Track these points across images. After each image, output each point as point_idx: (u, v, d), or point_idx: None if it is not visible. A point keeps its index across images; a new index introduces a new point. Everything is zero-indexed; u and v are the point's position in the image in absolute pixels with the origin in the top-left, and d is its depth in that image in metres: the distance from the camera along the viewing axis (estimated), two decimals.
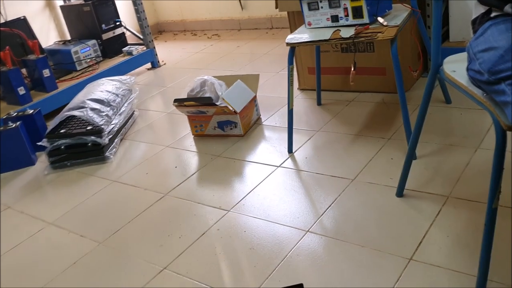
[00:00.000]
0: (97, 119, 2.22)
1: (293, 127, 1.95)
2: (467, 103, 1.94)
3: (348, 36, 1.62)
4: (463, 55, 1.18)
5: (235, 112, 2.12)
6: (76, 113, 2.23)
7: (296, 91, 2.52)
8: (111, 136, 2.25)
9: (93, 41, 3.26)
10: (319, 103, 2.30)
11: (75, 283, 1.46)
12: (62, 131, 2.21)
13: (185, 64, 3.48)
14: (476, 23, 1.08)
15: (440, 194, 1.50)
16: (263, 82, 2.63)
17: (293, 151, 1.95)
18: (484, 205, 1.07)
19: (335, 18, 1.72)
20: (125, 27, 3.50)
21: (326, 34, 1.68)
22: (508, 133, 0.97)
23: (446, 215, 1.41)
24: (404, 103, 1.65)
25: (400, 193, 1.53)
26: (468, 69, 1.04)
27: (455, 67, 1.17)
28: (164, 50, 3.86)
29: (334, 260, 1.34)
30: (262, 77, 2.64)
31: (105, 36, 3.32)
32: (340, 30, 1.69)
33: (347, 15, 1.69)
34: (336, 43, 1.78)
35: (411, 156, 1.46)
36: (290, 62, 1.78)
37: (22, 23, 3.17)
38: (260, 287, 1.29)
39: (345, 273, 1.28)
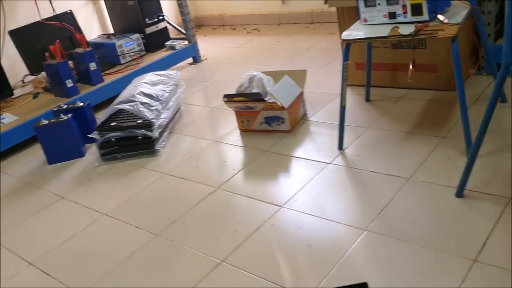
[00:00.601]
0: (147, 113, 2.25)
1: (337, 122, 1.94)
2: None
3: (408, 33, 1.60)
4: None
5: (283, 108, 2.12)
6: (126, 106, 2.27)
7: None
8: (160, 130, 2.28)
9: (137, 35, 3.30)
10: (367, 99, 2.28)
11: (133, 274, 1.50)
12: (112, 124, 2.26)
13: (226, 59, 3.49)
14: None
15: (501, 195, 1.47)
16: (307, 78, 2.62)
17: (344, 148, 1.94)
18: None
19: (392, 15, 1.70)
20: (168, 22, 3.53)
21: (384, 31, 1.66)
22: None
23: (509, 217, 1.38)
24: (463, 102, 1.62)
25: (460, 193, 1.50)
26: None
27: None
28: (204, 44, 3.88)
29: (394, 260, 1.33)
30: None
31: (149, 30, 3.36)
32: (398, 27, 1.66)
33: (405, 12, 1.66)
34: (393, 40, 1.76)
35: (474, 155, 1.43)
36: (346, 59, 1.77)
37: (68, 17, 3.24)
38: (320, 284, 1.30)
39: (407, 273, 1.27)
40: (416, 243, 1.37)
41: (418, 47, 2.16)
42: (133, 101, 2.30)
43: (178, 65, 3.43)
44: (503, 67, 1.22)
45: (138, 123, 2.22)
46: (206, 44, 3.92)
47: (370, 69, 2.20)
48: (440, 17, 1.63)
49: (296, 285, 1.32)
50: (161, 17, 3.42)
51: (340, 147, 1.94)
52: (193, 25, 3.52)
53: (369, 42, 2.13)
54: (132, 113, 2.28)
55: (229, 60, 3.43)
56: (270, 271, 1.39)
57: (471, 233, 1.35)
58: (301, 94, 2.27)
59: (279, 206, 1.67)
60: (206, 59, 3.56)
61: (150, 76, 2.60)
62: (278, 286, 1.33)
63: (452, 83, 2.03)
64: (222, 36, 4.15)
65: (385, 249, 1.37)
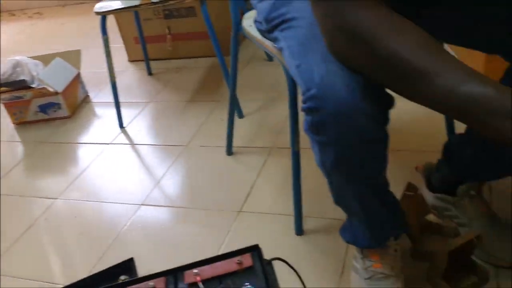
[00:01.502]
0: None
1: (124, 101, 1.88)
2: None
3: (157, 0, 1.58)
4: None
5: (56, 93, 1.96)
6: None
7: (126, 64, 2.41)
8: None
9: None
10: (149, 73, 2.24)
11: None
12: None
13: (2, 49, 3.11)
14: None
15: (265, 147, 1.57)
16: (90, 58, 2.47)
17: (125, 126, 1.87)
18: (301, 150, 1.13)
19: None
20: None
21: (136, 0, 1.61)
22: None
23: (270, 165, 1.48)
24: (223, 65, 1.67)
25: (229, 151, 1.57)
26: (254, 21, 1.07)
27: (251, 22, 1.20)
28: None
29: (168, 228, 1.33)
30: (89, 53, 2.48)
31: None
32: None
33: None
34: (147, 8, 1.73)
35: (232, 114, 1.50)
36: (103, 32, 1.68)
37: None
38: (92, 269, 1.24)
39: (178, 237, 1.29)
40: (190, 206, 1.39)
41: (189, 16, 2.17)
42: None
43: None
44: (233, 26, 1.27)
45: None
46: None
47: (144, 42, 2.15)
48: None
49: (68, 278, 1.23)
50: None
51: (121, 125, 1.87)
52: None
53: (135, 14, 2.07)
54: None
55: (6, 50, 3.06)
56: (40, 270, 1.28)
57: (238, 187, 1.42)
58: (78, 75, 2.12)
59: (53, 198, 1.55)
60: None
61: None
62: (50, 285, 1.23)
63: (226, 48, 2.09)
64: None
65: (160, 219, 1.37)
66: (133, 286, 0.84)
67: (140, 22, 2.10)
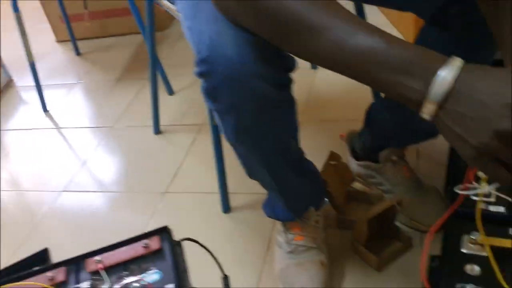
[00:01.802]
0: None
1: (50, 83, 1.77)
2: None
3: None
4: None
5: None
6: None
7: (54, 44, 2.27)
8: None
9: None
10: (77, 53, 2.11)
11: None
12: None
13: None
14: None
15: (194, 124, 1.51)
16: (14, 40, 2.31)
17: (49, 109, 1.76)
18: None
19: None
20: None
21: None
22: None
23: (200, 143, 1.42)
24: (149, 40, 1.57)
25: (157, 130, 1.49)
26: None
27: None
28: None
29: (91, 214, 1.26)
30: (14, 35, 2.31)
31: None
32: None
33: None
34: None
35: (155, 91, 1.43)
36: (15, 9, 1.56)
37: None
38: (7, 263, 1.15)
39: (101, 223, 1.22)
40: (112, 190, 1.32)
41: None
42: None
43: None
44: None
45: None
46: None
47: (68, 20, 2.02)
48: None
49: None
50: None
51: (44, 109, 1.75)
52: None
53: None
54: None
55: None
56: None
57: (165, 167, 1.35)
58: None
59: None
60: None
61: None
62: None
63: (159, 24, 2.00)
64: None
65: (79, 205, 1.29)
66: (29, 280, 0.78)
67: (62, 0, 1.97)
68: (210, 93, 0.68)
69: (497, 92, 0.48)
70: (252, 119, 0.70)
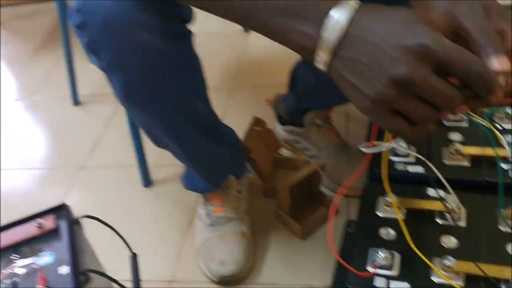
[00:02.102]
0: None
1: None
2: None
3: None
4: None
5: None
6: None
7: None
8: None
9: None
10: None
11: None
12: None
13: None
14: None
15: None
16: None
17: None
18: None
19: None
20: None
21: None
22: None
23: (121, 113, 1.32)
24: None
25: (75, 100, 1.38)
26: None
27: None
28: None
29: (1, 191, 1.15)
30: None
31: None
32: None
33: None
34: None
35: (69, 57, 1.32)
36: None
37: None
38: None
39: (11, 201, 1.11)
40: (25, 167, 1.22)
41: None
42: None
43: None
44: None
45: None
46: None
47: None
48: None
49: None
50: None
51: None
52: None
53: None
54: None
55: None
56: None
57: (82, 140, 1.25)
58: None
59: None
60: None
61: None
62: None
63: None
64: None
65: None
66: None
67: None
68: (91, 48, 0.60)
69: (393, 33, 0.42)
70: (139, 76, 0.62)
